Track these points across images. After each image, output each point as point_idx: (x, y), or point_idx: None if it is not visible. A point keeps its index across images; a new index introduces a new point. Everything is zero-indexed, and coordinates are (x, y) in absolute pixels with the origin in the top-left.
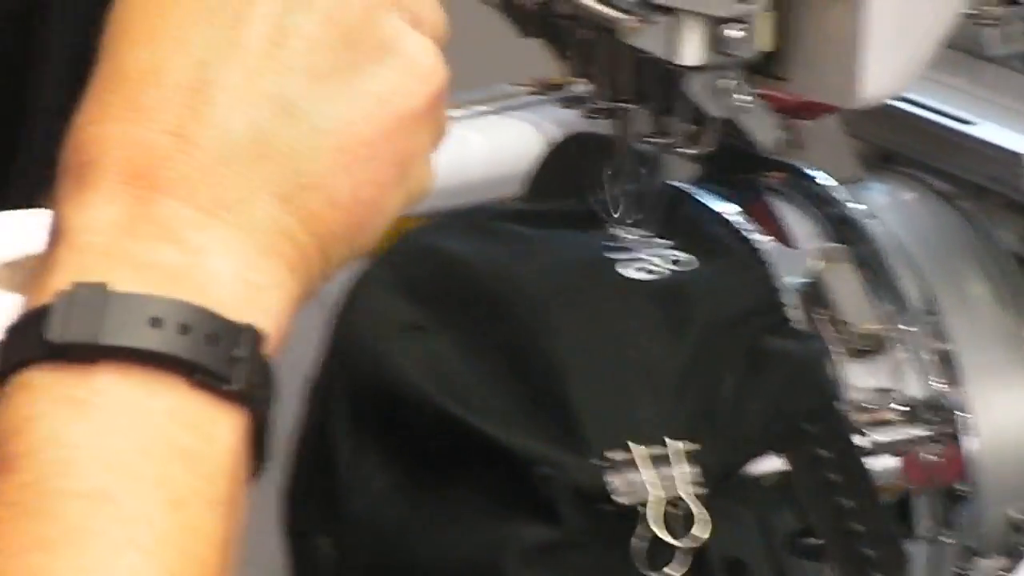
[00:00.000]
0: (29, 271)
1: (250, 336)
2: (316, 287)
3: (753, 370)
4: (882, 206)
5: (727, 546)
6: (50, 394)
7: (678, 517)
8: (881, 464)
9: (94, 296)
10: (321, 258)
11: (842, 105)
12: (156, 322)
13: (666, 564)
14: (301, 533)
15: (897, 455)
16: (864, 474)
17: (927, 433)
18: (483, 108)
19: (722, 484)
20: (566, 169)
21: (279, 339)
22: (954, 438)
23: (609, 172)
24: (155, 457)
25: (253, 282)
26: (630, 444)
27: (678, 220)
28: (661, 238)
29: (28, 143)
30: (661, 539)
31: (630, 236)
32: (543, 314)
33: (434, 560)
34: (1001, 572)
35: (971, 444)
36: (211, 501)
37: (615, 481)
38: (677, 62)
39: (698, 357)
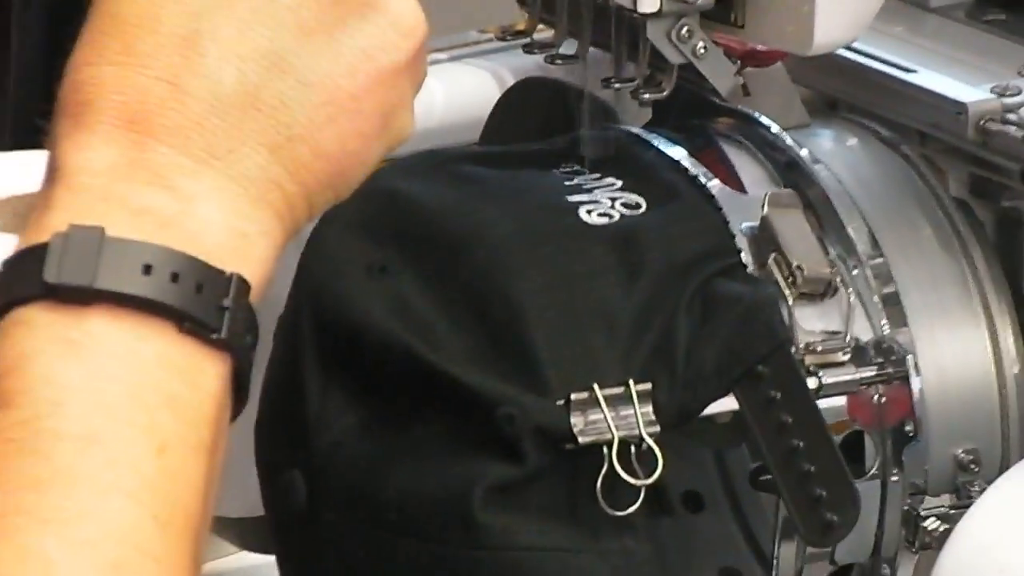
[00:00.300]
0: (13, 211)
1: (237, 286)
2: (300, 231)
3: (706, 313)
4: (828, 152)
5: (684, 480)
6: (46, 333)
7: (637, 455)
8: (831, 404)
9: (90, 240)
10: (306, 205)
11: (798, 52)
12: (148, 269)
13: (625, 500)
14: (274, 466)
15: (846, 396)
16: (815, 415)
17: (875, 374)
18: (445, 56)
19: (680, 425)
20: (521, 113)
21: (263, 285)
22: (901, 378)
23: (568, 116)
24: (143, 402)
25: (242, 231)
26: (589, 385)
27: (634, 165)
28: (617, 182)
29: (6, 88)
30: (621, 476)
31: (588, 180)
32: (503, 257)
33: (402, 495)
34: (948, 510)
35: (917, 384)
36: (195, 447)
37: (575, 421)
38: (636, 9)
39: (653, 300)
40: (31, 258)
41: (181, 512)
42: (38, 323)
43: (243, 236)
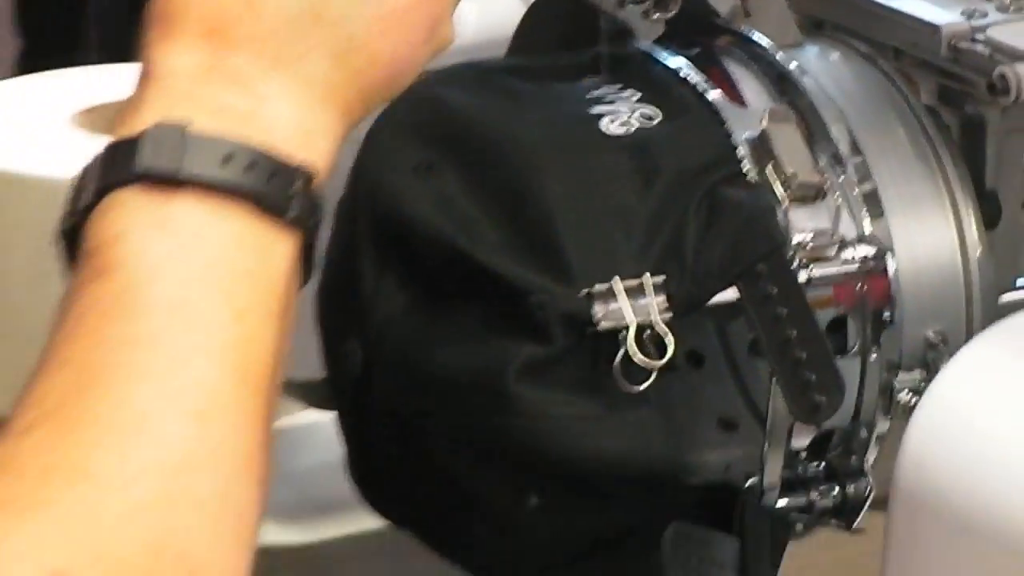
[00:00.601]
0: (104, 117)
1: (304, 174)
2: (357, 126)
3: (713, 216)
4: (814, 66)
5: (688, 341)
6: (138, 214)
7: (650, 339)
8: (820, 293)
9: (177, 133)
10: (362, 105)
11: None
12: (227, 159)
13: (639, 377)
14: (334, 335)
15: (832, 285)
16: (806, 307)
17: (858, 266)
18: None
19: (688, 314)
20: (542, 28)
21: (326, 173)
22: (880, 270)
23: (586, 31)
24: (223, 274)
25: (308, 127)
26: (609, 277)
27: (649, 79)
28: (636, 94)
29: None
30: (636, 357)
31: (609, 91)
32: (535, 162)
33: (447, 367)
34: (919, 382)
35: (893, 272)
36: (267, 314)
37: (597, 309)
38: None
39: (665, 204)
40: (126, 148)
41: (256, 371)
42: (132, 205)
43: (309, 132)
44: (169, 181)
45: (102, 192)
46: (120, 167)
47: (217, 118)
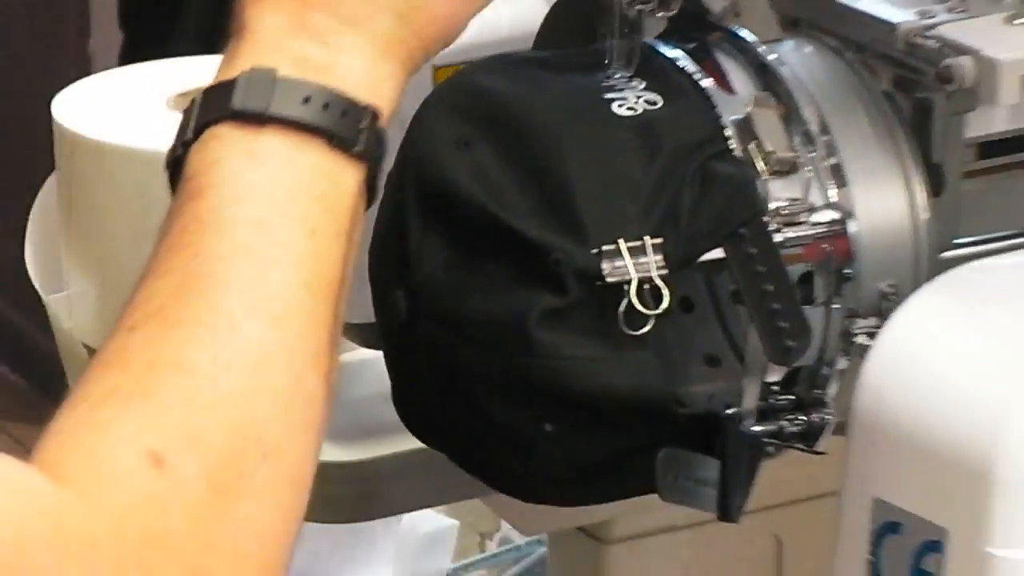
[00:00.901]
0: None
1: (371, 113)
2: (418, 70)
3: (704, 187)
4: (791, 57)
5: (680, 289)
6: (232, 145)
7: (649, 291)
8: (793, 252)
9: (266, 78)
10: (423, 54)
11: None
12: (307, 100)
13: (639, 323)
14: (383, 286)
15: (803, 245)
16: (781, 265)
17: (826, 228)
18: None
19: (682, 270)
20: (563, 26)
21: (390, 114)
22: (843, 230)
23: (602, 29)
24: (300, 197)
25: (375, 75)
26: (616, 239)
27: (653, 70)
28: (642, 83)
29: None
30: (637, 307)
31: (619, 81)
32: (557, 139)
33: (478, 314)
34: (874, 328)
35: (855, 234)
36: (337, 232)
37: (605, 265)
38: None
39: (665, 176)
40: (223, 90)
41: (326, 281)
42: (226, 137)
43: (376, 79)
44: (258, 118)
45: (202, 128)
46: (218, 106)
47: (299, 66)
